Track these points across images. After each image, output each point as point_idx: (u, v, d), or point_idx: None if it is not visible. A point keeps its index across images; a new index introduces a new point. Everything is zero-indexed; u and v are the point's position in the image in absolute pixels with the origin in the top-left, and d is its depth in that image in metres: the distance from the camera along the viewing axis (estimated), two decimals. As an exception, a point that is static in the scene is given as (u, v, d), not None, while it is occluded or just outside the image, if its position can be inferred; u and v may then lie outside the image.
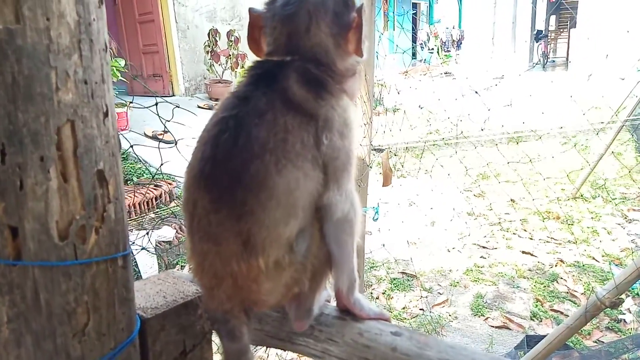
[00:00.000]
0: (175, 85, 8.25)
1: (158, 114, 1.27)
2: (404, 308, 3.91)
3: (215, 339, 0.82)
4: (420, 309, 3.83)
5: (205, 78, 8.34)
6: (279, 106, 0.70)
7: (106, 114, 0.60)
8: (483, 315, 3.72)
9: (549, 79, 10.39)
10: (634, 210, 5.55)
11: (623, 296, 3.77)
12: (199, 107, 7.53)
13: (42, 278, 0.55)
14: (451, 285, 4.20)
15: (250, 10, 0.82)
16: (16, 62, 0.50)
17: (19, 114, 0.51)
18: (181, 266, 4.03)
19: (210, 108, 7.49)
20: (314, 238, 0.71)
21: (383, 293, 4.14)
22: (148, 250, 3.12)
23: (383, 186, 2.59)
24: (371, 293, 4.16)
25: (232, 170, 0.66)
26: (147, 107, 1.23)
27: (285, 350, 0.74)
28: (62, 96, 0.54)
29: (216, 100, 7.92)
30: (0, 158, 0.51)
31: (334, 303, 0.75)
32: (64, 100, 0.54)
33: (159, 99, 1.47)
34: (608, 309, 2.07)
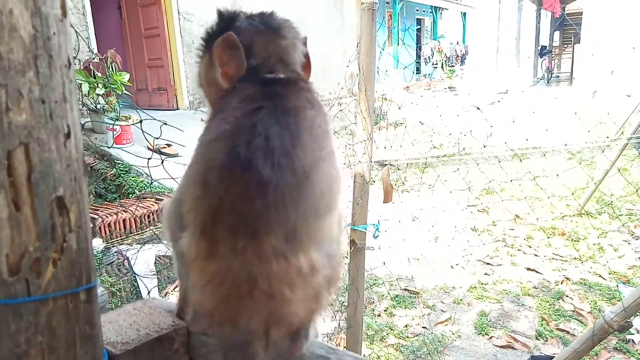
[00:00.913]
0: (179, 99, 8.27)
1: (151, 133, 1.23)
2: (406, 326, 3.83)
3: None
4: (423, 327, 3.74)
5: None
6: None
7: (68, 135, 0.55)
8: (487, 334, 3.63)
9: (554, 95, 10.36)
10: (640, 227, 5.46)
11: (631, 319, 3.68)
12: (202, 120, 7.52)
13: (-12, 318, 0.50)
14: (454, 302, 4.11)
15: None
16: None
17: (-39, 138, 0.46)
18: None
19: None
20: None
21: (385, 310, 4.07)
22: (140, 277, 3.07)
23: (384, 202, 2.53)
24: (373, 310, 4.09)
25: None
26: (137, 123, 1.19)
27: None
28: (14, 117, 0.49)
29: (219, 114, 7.93)
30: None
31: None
32: (15, 122, 0.49)
33: (160, 113, 1.44)
34: (616, 332, 2.00)
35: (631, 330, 3.63)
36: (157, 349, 0.72)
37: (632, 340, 3.51)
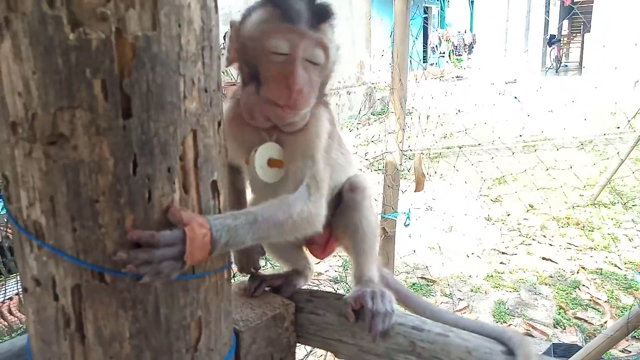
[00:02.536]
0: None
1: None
2: (425, 313, 3.87)
3: (299, 350, 0.79)
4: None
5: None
6: None
7: (220, 123, 0.58)
8: (505, 322, 3.66)
9: (563, 84, 10.32)
10: (654, 217, 5.49)
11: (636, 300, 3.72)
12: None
13: (164, 293, 0.53)
14: (472, 291, 4.15)
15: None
16: (151, 69, 0.48)
17: (151, 124, 0.49)
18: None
19: (225, 110, 7.51)
20: None
21: (403, 298, 4.10)
22: None
23: (415, 191, 2.56)
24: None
25: None
26: None
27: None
28: (188, 105, 0.52)
29: (231, 102, 7.94)
30: (132, 169, 0.49)
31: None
32: (189, 109, 0.52)
33: None
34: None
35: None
36: (272, 327, 0.76)
37: (651, 329, 3.56)
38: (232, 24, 0.83)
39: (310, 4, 0.74)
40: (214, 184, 0.58)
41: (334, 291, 3.56)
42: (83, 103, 0.47)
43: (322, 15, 0.75)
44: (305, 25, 0.73)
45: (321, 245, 0.90)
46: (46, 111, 0.47)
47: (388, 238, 2.58)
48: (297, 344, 0.80)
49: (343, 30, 10.71)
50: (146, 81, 0.48)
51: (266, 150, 0.77)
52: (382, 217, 2.60)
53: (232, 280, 0.68)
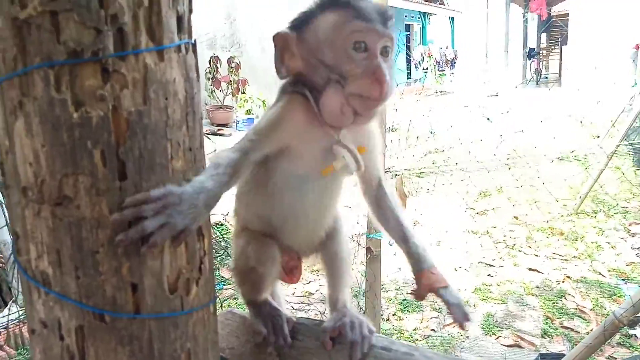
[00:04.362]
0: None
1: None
2: (415, 329, 3.93)
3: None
4: (432, 330, 3.84)
5: (206, 104, 8.46)
6: None
7: (203, 176, 0.67)
8: (494, 335, 3.73)
9: (544, 96, 10.56)
10: (636, 224, 5.62)
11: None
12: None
13: (156, 329, 0.61)
14: (461, 304, 4.21)
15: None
16: (143, 138, 0.57)
17: (143, 184, 0.58)
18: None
19: (212, 133, 7.58)
20: None
21: (393, 314, 4.16)
22: None
23: (401, 198, 2.63)
24: (381, 315, 4.18)
25: None
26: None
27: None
28: (175, 164, 0.61)
29: (218, 125, 8.01)
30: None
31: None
32: (176, 168, 0.61)
33: None
34: (625, 327, 2.13)
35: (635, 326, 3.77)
36: (256, 353, 0.83)
37: (635, 335, 3.64)
38: (284, 36, 0.87)
39: (374, 5, 0.84)
40: (199, 229, 0.66)
41: (323, 310, 3.61)
42: (85, 170, 0.56)
43: (386, 14, 0.84)
44: (378, 23, 0.81)
45: (294, 270, 0.98)
46: (53, 177, 0.55)
47: (374, 257, 2.66)
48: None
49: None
50: (138, 148, 0.57)
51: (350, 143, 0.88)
52: (367, 237, 2.68)
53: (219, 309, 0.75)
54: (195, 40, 0.67)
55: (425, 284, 0.95)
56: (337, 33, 0.81)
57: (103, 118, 0.55)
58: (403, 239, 1.02)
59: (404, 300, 4.35)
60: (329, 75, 0.82)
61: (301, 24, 0.87)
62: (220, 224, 4.57)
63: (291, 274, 0.98)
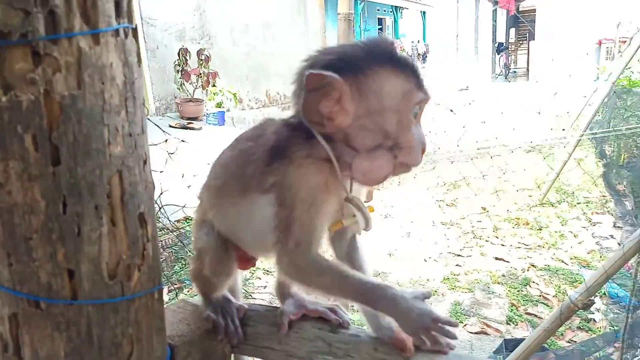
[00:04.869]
0: (146, 105, 8.21)
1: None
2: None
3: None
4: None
5: (176, 97, 8.33)
6: None
7: (145, 162, 0.66)
8: (462, 322, 3.82)
9: (511, 89, 10.79)
10: (597, 213, 5.83)
11: (593, 297, 3.95)
12: (170, 126, 7.51)
13: (95, 315, 0.61)
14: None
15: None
16: (77, 122, 0.56)
17: (78, 169, 0.57)
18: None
19: (182, 127, 7.47)
20: None
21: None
22: None
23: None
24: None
25: None
26: (157, 144, 1.26)
27: (305, 369, 0.81)
28: (113, 150, 0.60)
29: (188, 119, 7.90)
30: (62, 209, 0.57)
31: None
32: (114, 153, 0.60)
33: None
34: (580, 310, 2.21)
35: (592, 310, 3.92)
36: (206, 340, 0.84)
37: (594, 319, 3.79)
38: (332, 83, 0.74)
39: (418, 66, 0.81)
40: (141, 215, 0.66)
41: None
42: (16, 155, 0.55)
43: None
44: (429, 90, 0.78)
45: (249, 262, 0.98)
46: (-18, 163, 0.54)
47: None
48: (233, 354, 0.89)
49: (299, 44, 10.86)
50: (73, 132, 0.57)
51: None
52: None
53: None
54: (136, 26, 0.66)
55: (407, 337, 0.80)
56: (404, 102, 0.76)
57: (34, 102, 0.54)
58: None
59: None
60: (383, 142, 0.76)
61: (351, 72, 0.75)
62: (189, 218, 4.54)
63: (246, 264, 0.98)
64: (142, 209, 0.66)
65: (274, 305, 0.94)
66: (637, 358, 2.82)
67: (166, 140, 1.21)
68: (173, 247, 4.45)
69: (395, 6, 16.59)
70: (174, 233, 4.79)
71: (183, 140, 1.38)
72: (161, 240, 4.49)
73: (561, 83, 8.32)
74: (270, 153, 0.80)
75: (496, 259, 4.83)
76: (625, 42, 7.03)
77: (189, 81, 7.93)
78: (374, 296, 0.77)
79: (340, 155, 0.78)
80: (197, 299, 0.95)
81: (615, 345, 3.07)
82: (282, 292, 0.99)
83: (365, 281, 0.79)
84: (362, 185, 0.83)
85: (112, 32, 0.59)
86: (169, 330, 0.82)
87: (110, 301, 0.61)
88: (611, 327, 3.59)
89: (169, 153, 1.29)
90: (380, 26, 16.37)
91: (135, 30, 0.65)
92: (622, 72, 5.69)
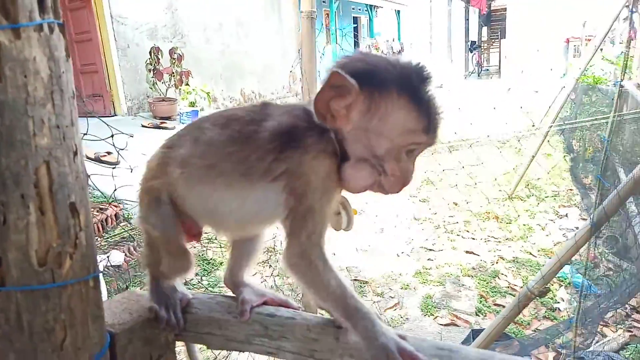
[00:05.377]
0: (117, 105, 8.10)
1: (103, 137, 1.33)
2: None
3: (179, 348, 0.90)
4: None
5: (148, 96, 8.25)
6: None
7: (76, 153, 0.68)
8: (432, 315, 3.89)
9: (484, 87, 10.98)
10: (563, 206, 6.00)
11: (556, 286, 4.08)
12: (143, 126, 7.44)
13: (24, 301, 0.63)
14: (402, 288, 4.36)
15: None
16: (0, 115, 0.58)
17: (1, 159, 0.59)
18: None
19: (155, 127, 7.40)
20: None
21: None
22: (104, 273, 3.09)
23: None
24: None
25: None
26: (83, 134, 1.27)
27: (243, 352, 0.84)
28: (39, 141, 0.62)
29: (161, 118, 7.83)
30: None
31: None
32: (40, 144, 0.62)
33: (95, 120, 1.51)
34: (538, 297, 2.29)
35: (557, 299, 4.05)
36: (148, 328, 0.86)
37: (558, 309, 3.91)
38: (350, 89, 0.76)
39: (437, 107, 0.81)
40: (72, 205, 0.68)
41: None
42: (-64, 145, 0.56)
43: (439, 123, 0.81)
44: (437, 134, 0.80)
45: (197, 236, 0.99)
46: None
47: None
48: (178, 342, 0.91)
49: (274, 42, 10.84)
50: (-6, 124, 0.58)
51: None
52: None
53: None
54: (63, 22, 0.68)
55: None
56: (403, 137, 0.78)
57: (-46, 95, 0.56)
58: None
59: (347, 287, 4.45)
60: (370, 159, 0.79)
61: (371, 86, 0.77)
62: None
63: (191, 238, 0.98)
64: (73, 198, 0.68)
65: (215, 292, 0.97)
66: (591, 340, 2.94)
67: (112, 136, 1.22)
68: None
69: (370, 5, 16.72)
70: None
71: (131, 135, 1.39)
72: (135, 241, 4.45)
73: (528, 79, 8.51)
74: (281, 140, 0.80)
75: (467, 252, 4.94)
76: (590, 40, 7.24)
77: (162, 80, 7.87)
78: (359, 313, 0.78)
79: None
80: (144, 292, 0.97)
81: (578, 330, 3.19)
82: (234, 281, 1.01)
83: (355, 295, 0.81)
84: (343, 188, 0.84)
85: (35, 27, 0.61)
86: (110, 319, 0.84)
87: (40, 288, 0.63)
88: (574, 315, 3.71)
89: (118, 149, 1.29)
90: (355, 25, 16.47)
91: (62, 26, 0.67)
92: (584, 69, 5.86)
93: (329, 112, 0.78)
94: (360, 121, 0.77)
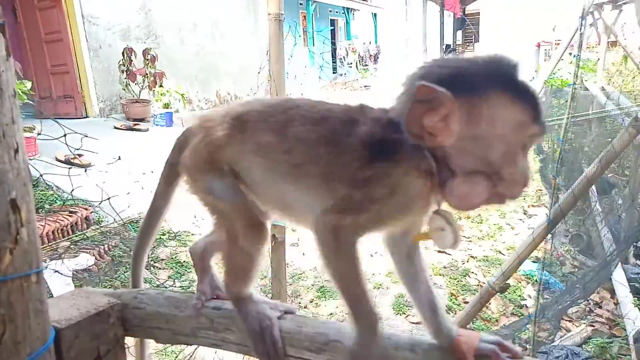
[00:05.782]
0: (88, 106, 7.95)
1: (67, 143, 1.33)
2: (330, 314, 4.07)
3: (128, 342, 0.92)
4: (347, 314, 4.00)
5: (121, 98, 8.14)
6: None
7: (17, 150, 0.70)
8: (404, 313, 3.96)
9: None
10: (533, 206, 6.16)
11: (524, 284, 4.18)
12: (115, 127, 7.33)
13: (-38, 295, 0.64)
14: (375, 288, 4.41)
15: None
16: None
17: (-64, 155, 0.60)
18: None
19: (128, 128, 7.31)
20: None
21: (311, 301, 4.28)
22: (61, 273, 3.04)
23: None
24: (299, 302, 4.29)
25: None
26: (56, 138, 1.27)
27: (190, 345, 0.86)
28: (-25, 138, 0.63)
29: (134, 120, 7.73)
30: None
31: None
32: (-24, 141, 0.64)
33: (67, 121, 1.51)
34: (499, 293, 2.36)
35: (524, 297, 4.16)
36: (96, 323, 0.87)
37: (526, 305, 4.02)
38: (442, 99, 0.70)
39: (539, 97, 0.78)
40: (13, 201, 0.69)
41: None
42: None
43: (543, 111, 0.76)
44: (545, 124, 0.74)
45: None
46: None
47: (278, 244, 2.74)
48: (127, 337, 0.93)
49: (250, 43, 10.82)
50: None
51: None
52: (273, 224, 2.75)
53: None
54: (4, 22, 0.69)
55: (467, 350, 0.78)
56: (517, 134, 0.72)
57: None
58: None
59: (321, 287, 4.49)
60: (484, 169, 0.72)
61: (465, 91, 0.71)
62: (135, 221, 4.47)
63: None
64: (14, 195, 0.69)
65: (164, 287, 0.99)
66: (555, 335, 3.03)
67: (65, 135, 1.22)
68: (116, 251, 4.38)
69: (347, 8, 16.83)
70: (118, 237, 4.70)
71: (86, 135, 1.38)
72: (105, 244, 4.40)
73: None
74: (372, 149, 0.76)
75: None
76: (559, 44, 7.45)
77: (135, 82, 7.77)
78: (364, 310, 0.79)
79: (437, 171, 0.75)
80: (95, 289, 0.98)
81: (543, 326, 3.28)
82: (202, 266, 1.00)
83: (367, 292, 0.80)
84: (452, 207, 0.78)
85: (-27, 27, 0.62)
86: (57, 315, 0.85)
87: (-22, 282, 0.64)
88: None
89: (72, 148, 1.29)
90: (333, 27, 16.55)
91: (2, 26, 0.68)
92: (551, 72, 6.02)
93: (424, 130, 0.72)
94: (464, 131, 0.71)
